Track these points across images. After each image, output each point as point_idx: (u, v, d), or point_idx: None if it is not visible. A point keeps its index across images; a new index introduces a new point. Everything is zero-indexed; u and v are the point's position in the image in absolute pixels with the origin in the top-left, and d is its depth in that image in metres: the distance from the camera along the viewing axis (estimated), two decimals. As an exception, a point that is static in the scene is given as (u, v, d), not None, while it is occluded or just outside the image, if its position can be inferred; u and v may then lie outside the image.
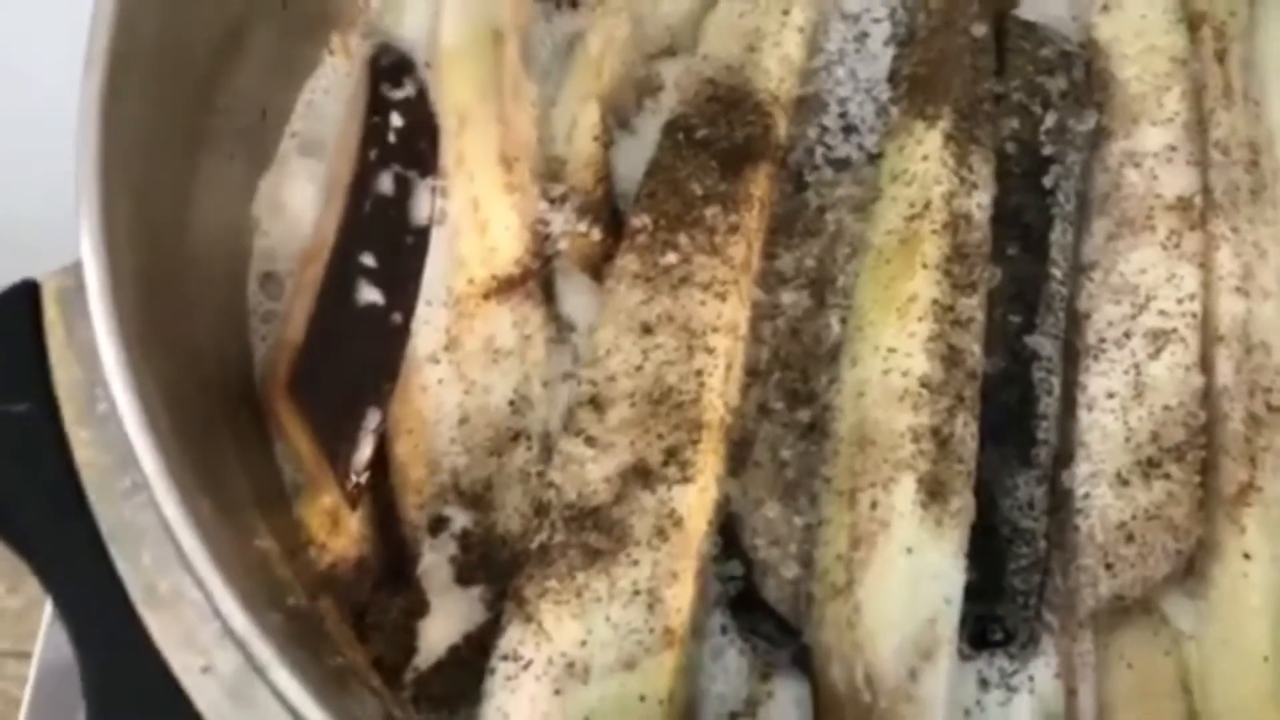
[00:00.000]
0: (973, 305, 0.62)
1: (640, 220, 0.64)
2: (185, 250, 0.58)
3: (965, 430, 0.59)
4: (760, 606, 0.58)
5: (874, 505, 0.57)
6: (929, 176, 0.64)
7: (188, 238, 0.59)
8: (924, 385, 0.59)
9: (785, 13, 0.69)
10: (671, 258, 0.62)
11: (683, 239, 0.63)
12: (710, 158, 0.65)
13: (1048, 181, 0.67)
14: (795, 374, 0.63)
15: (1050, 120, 0.68)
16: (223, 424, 0.57)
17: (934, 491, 0.57)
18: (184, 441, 0.48)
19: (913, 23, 0.70)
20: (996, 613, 0.59)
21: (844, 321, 0.64)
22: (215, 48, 0.60)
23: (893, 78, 0.69)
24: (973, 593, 0.58)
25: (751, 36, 0.68)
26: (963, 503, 0.58)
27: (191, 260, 0.58)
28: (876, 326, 0.62)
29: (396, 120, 0.68)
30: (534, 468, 0.60)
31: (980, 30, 0.68)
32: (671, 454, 0.58)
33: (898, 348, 0.61)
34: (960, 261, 0.62)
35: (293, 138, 0.69)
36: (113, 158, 0.51)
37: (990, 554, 0.59)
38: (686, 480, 0.57)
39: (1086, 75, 0.70)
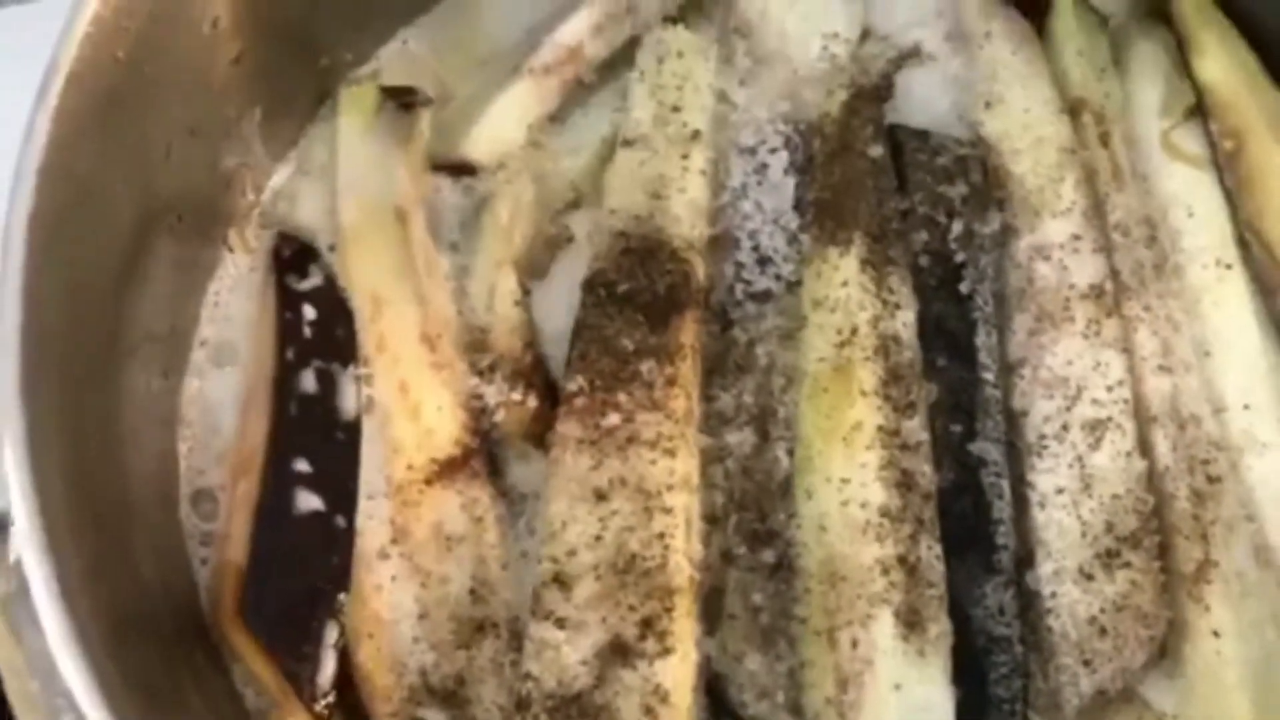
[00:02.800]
0: (916, 426, 0.64)
1: (575, 383, 0.65)
2: (117, 481, 0.59)
3: (930, 553, 0.62)
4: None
5: (855, 644, 0.59)
6: (852, 303, 0.67)
7: (117, 467, 0.59)
8: (884, 515, 0.62)
9: (685, 157, 0.72)
10: (614, 419, 0.64)
11: (622, 397, 0.64)
12: (635, 311, 0.67)
13: (964, 287, 0.70)
14: (753, 514, 0.65)
15: (957, 227, 0.72)
16: (178, 664, 0.57)
17: (911, 622, 0.60)
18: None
19: (809, 149, 0.74)
20: None
21: (791, 453, 0.66)
22: (118, 271, 0.61)
23: (798, 205, 0.72)
24: (959, 709, 0.60)
25: (655, 184, 0.71)
26: (940, 628, 0.60)
27: (124, 491, 0.59)
28: (825, 457, 0.64)
29: (309, 312, 0.69)
30: (506, 657, 0.61)
31: (877, 151, 0.72)
32: (647, 625, 0.59)
33: (851, 478, 0.63)
34: (896, 384, 0.65)
35: (203, 346, 0.69)
36: (35, 392, 0.52)
37: (970, 667, 0.61)
38: (667, 651, 0.58)
39: (984, 176, 0.74)
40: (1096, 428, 0.67)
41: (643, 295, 0.67)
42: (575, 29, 0.76)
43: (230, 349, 0.69)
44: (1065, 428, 0.67)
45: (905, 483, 0.63)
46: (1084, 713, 0.62)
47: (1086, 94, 0.76)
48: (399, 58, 0.79)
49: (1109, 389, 0.68)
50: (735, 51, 0.78)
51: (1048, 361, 0.69)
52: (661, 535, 0.61)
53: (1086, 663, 0.62)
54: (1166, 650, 0.63)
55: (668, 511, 0.62)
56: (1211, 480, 0.66)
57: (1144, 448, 0.67)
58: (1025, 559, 0.65)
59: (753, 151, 0.74)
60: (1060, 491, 0.66)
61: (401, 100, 0.75)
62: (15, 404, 0.50)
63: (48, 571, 0.48)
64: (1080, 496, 0.66)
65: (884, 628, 0.59)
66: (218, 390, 0.68)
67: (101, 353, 0.59)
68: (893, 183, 0.72)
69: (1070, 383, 0.68)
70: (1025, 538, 0.65)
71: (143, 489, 0.61)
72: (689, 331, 0.67)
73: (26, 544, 0.48)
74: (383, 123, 0.74)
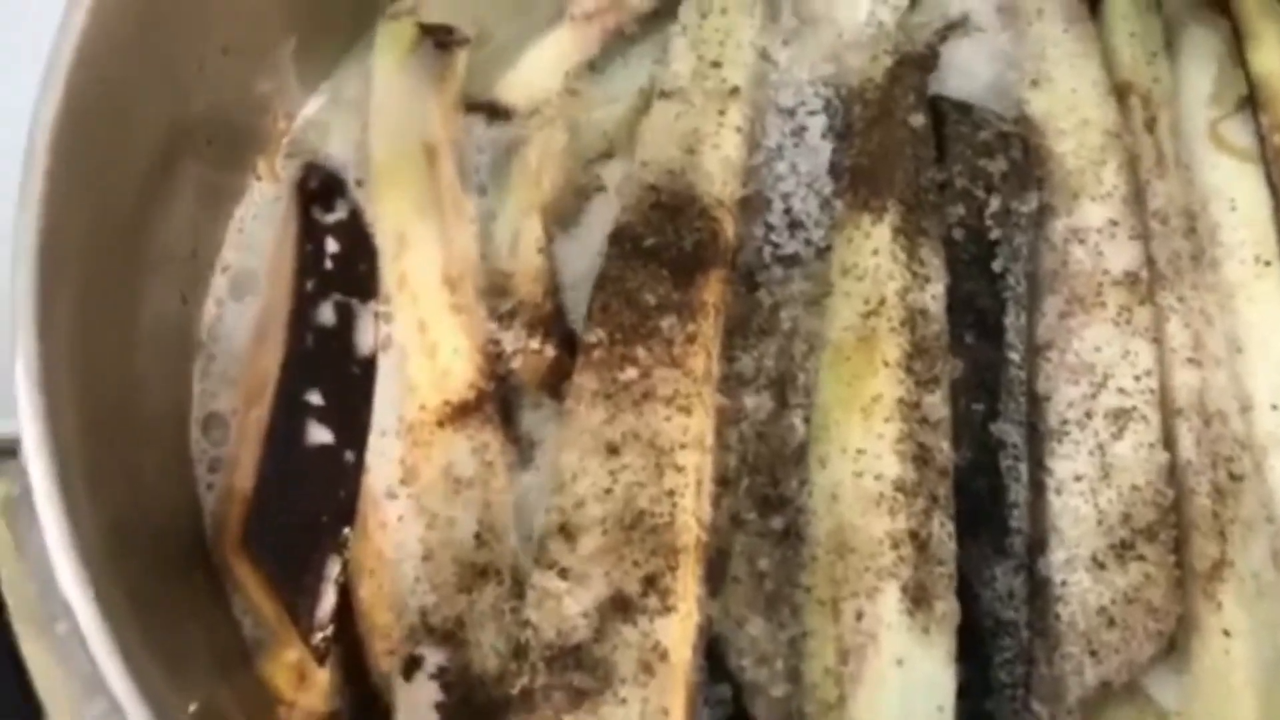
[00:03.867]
0: (937, 401, 0.64)
1: (595, 335, 0.65)
2: (128, 401, 0.59)
3: (942, 530, 0.62)
4: (752, 727, 0.60)
5: (859, 616, 0.60)
6: (881, 272, 0.67)
7: (129, 386, 0.59)
8: (898, 489, 0.62)
9: (721, 113, 0.72)
10: (631, 373, 0.64)
11: (640, 352, 0.64)
12: (660, 266, 0.67)
13: (996, 266, 0.70)
14: (765, 479, 0.65)
15: (994, 204, 0.71)
16: (178, 587, 0.57)
17: (918, 598, 0.60)
18: (149, 646, 0.48)
19: (849, 114, 0.73)
20: (985, 708, 0.61)
21: (808, 420, 0.66)
22: (141, 188, 0.61)
23: (834, 170, 0.72)
24: (960, 689, 0.60)
25: (690, 139, 0.71)
26: (947, 606, 0.60)
27: (135, 411, 0.59)
28: (842, 426, 0.64)
29: (332, 245, 0.69)
30: (507, 604, 0.61)
31: (919, 120, 0.72)
32: (650, 583, 0.59)
33: (867, 449, 0.63)
34: (921, 357, 0.65)
35: (224, 272, 0.70)
36: (50, 307, 0.52)
37: (975, 648, 0.61)
38: (668, 610, 0.59)
39: (1025, 155, 0.73)
40: (1120, 417, 0.67)
41: (669, 250, 0.67)
42: (619, -24, 0.76)
43: (252, 277, 0.70)
44: (1089, 415, 0.67)
45: (922, 457, 0.63)
46: (1086, 703, 0.62)
47: (1136, 77, 0.76)
48: (441, -4, 0.78)
49: (1136, 378, 0.68)
50: (781, 10, 0.77)
51: (1075, 346, 0.69)
52: (671, 493, 0.61)
53: (1093, 653, 0.62)
54: (1175, 646, 0.62)
55: (679, 470, 0.62)
56: (1234, 478, 0.66)
57: (1167, 440, 0.66)
58: (1038, 545, 0.65)
59: (791, 113, 0.74)
60: (1079, 479, 0.66)
61: (439, 39, 0.75)
62: (30, 313, 0.50)
63: (51, 478, 0.49)
64: (1099, 485, 0.65)
65: (890, 602, 0.59)
66: (236, 317, 0.68)
67: (121, 269, 0.59)
68: (932, 154, 0.71)
69: (1097, 369, 0.68)
70: (1039, 523, 0.65)
71: (155, 409, 0.61)
72: (713, 290, 0.67)
73: (33, 449, 0.49)
74: (418, 60, 0.74)
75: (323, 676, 0.60)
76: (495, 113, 0.74)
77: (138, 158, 0.60)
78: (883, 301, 0.66)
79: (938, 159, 0.72)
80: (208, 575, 0.61)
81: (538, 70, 0.75)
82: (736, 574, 0.63)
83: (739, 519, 0.64)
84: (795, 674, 0.61)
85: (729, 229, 0.69)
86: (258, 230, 0.71)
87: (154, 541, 0.57)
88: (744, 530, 0.64)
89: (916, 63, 0.74)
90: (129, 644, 0.48)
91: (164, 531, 0.59)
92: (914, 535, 0.61)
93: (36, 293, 0.51)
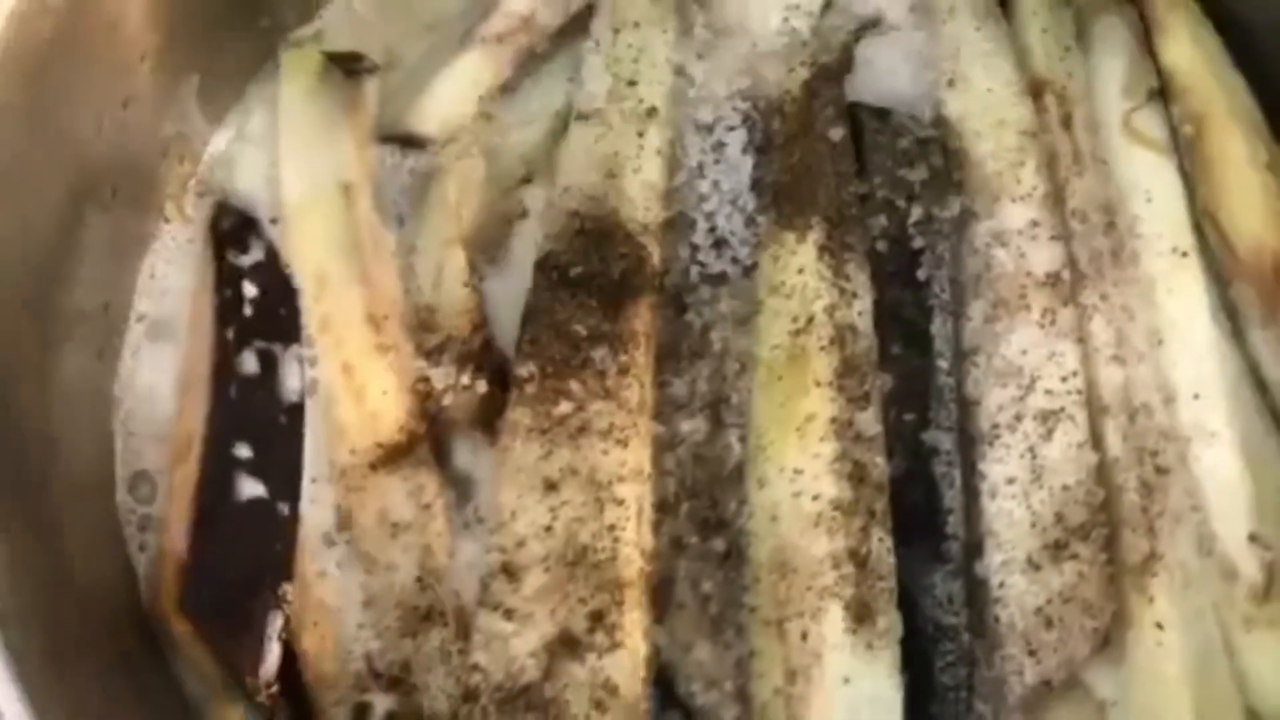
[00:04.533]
0: (869, 418, 0.66)
1: (526, 369, 0.66)
2: (46, 464, 0.58)
3: (881, 546, 0.64)
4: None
5: (804, 636, 0.61)
6: (809, 290, 0.68)
7: (47, 449, 0.59)
8: (836, 508, 0.63)
9: (641, 134, 0.72)
10: (565, 407, 0.65)
11: (574, 385, 0.65)
12: (589, 296, 0.68)
13: (921, 274, 0.72)
14: (704, 502, 0.67)
15: (916, 212, 0.73)
16: (109, 650, 0.57)
17: (861, 615, 0.62)
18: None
19: (768, 128, 0.74)
20: (931, 711, 0.64)
21: (744, 440, 0.67)
22: (45, 256, 0.60)
23: (756, 186, 0.73)
24: (906, 696, 0.62)
25: (610, 163, 0.71)
26: (889, 620, 0.62)
27: (55, 474, 0.58)
28: (778, 446, 0.66)
29: (250, 289, 0.69)
30: (454, 645, 0.62)
31: (838, 134, 0.73)
32: (597, 619, 0.60)
33: (804, 469, 0.65)
34: (851, 374, 0.67)
35: (140, 321, 0.69)
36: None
37: (917, 654, 0.64)
38: (616, 645, 0.60)
39: (945, 160, 0.75)
40: (1049, 418, 0.69)
41: (596, 280, 0.68)
42: (527, -4, 0.76)
43: (167, 325, 0.70)
44: (1018, 417, 0.69)
45: (858, 475, 0.64)
46: (1028, 702, 0.64)
47: (1050, 74, 0.78)
48: (343, 19, 0.78)
49: (1063, 379, 0.70)
50: (694, 23, 0.78)
51: (1002, 350, 0.71)
52: (612, 527, 0.62)
53: (1032, 653, 0.65)
54: (1110, 640, 0.65)
55: (619, 503, 0.63)
56: (1160, 471, 0.68)
57: (1095, 439, 0.69)
58: (974, 548, 0.67)
59: (709, 129, 0.75)
60: (1011, 481, 0.68)
61: (346, 67, 0.75)
62: None
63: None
64: (1030, 487, 0.68)
65: (833, 621, 0.61)
66: (155, 368, 0.68)
67: (29, 332, 0.59)
68: (853, 166, 0.73)
69: (1024, 372, 0.70)
70: (974, 527, 0.67)
71: (78, 470, 0.61)
72: (643, 318, 0.68)
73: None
74: (327, 89, 0.74)
75: (270, 731, 0.60)
76: (410, 143, 0.74)
77: (40, 222, 0.59)
78: (811, 320, 0.67)
79: (858, 170, 0.73)
80: (142, 636, 0.61)
81: (450, 96, 0.75)
82: (681, 599, 0.65)
83: (680, 543, 0.66)
84: (744, 694, 0.63)
85: (655, 255, 0.70)
86: (171, 275, 0.71)
87: (81, 606, 0.57)
88: (685, 554, 0.66)
89: (834, 73, 0.76)
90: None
91: (92, 595, 0.59)
92: (853, 553, 0.63)
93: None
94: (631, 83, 0.74)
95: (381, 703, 0.62)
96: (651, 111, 0.73)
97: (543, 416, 0.65)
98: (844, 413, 0.66)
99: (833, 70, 0.76)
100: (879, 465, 0.66)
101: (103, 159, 0.64)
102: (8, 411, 0.56)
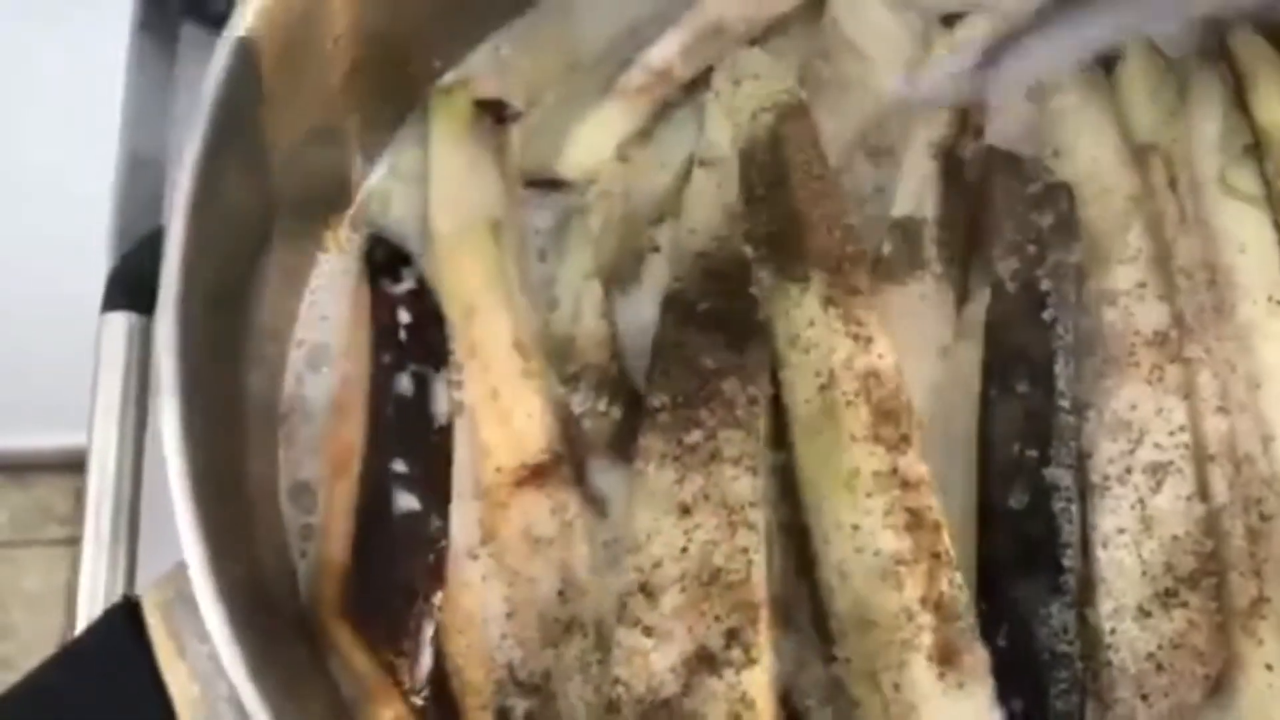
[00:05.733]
0: (912, 459, 0.69)
1: (658, 399, 0.72)
2: (235, 473, 0.65)
3: (952, 586, 0.67)
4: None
5: (897, 688, 0.66)
6: (823, 346, 0.72)
7: (234, 458, 0.66)
8: (899, 562, 0.67)
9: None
10: (697, 435, 0.71)
11: (704, 415, 0.71)
12: (716, 331, 0.73)
13: (1046, 315, 0.77)
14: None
15: (1043, 254, 0.78)
16: (290, 656, 0.63)
17: (946, 658, 0.66)
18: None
19: (747, 178, 0.78)
20: None
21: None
22: (241, 282, 0.68)
23: (748, 237, 0.76)
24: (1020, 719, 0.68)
25: (734, 205, 0.77)
26: (975, 656, 0.67)
27: (240, 483, 0.65)
28: (831, 502, 0.69)
29: (404, 316, 0.75)
30: (593, 656, 0.68)
31: (820, 169, 0.77)
32: (733, 636, 0.66)
33: (860, 524, 0.68)
34: (885, 422, 0.70)
35: (299, 347, 0.76)
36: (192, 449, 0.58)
37: (1032, 682, 0.69)
38: (751, 662, 0.66)
39: (1070, 207, 0.80)
40: (1158, 471, 0.74)
41: (723, 315, 0.74)
42: (665, 53, 0.83)
43: (324, 350, 0.76)
44: (1129, 470, 0.74)
45: (914, 523, 0.68)
46: (1141, 746, 0.69)
47: (1156, 138, 0.83)
48: (490, 64, 0.85)
49: (1170, 434, 0.75)
50: (819, 75, 0.84)
51: (1113, 405, 0.76)
52: (745, 550, 0.68)
53: (1144, 697, 0.69)
54: (1220, 686, 0.70)
55: (751, 527, 0.69)
56: (1265, 518, 0.73)
57: (1203, 490, 0.74)
58: (1087, 596, 0.72)
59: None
60: (1121, 532, 0.73)
61: (495, 112, 0.82)
62: (176, 447, 0.57)
63: (203, 566, 0.55)
64: (1141, 538, 0.73)
65: (919, 672, 0.66)
66: (313, 390, 0.75)
67: (228, 345, 0.66)
68: (842, 204, 0.76)
69: (1134, 427, 0.75)
70: (1088, 575, 0.72)
71: (254, 480, 0.68)
72: (768, 351, 0.73)
73: (189, 541, 0.55)
74: (475, 134, 0.81)
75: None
76: (553, 186, 0.80)
77: (241, 249, 0.67)
78: (832, 375, 0.71)
79: (981, 208, 0.78)
80: (309, 641, 0.66)
81: (591, 144, 0.81)
82: (798, 623, 0.70)
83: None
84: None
85: None
86: (327, 303, 0.77)
87: (268, 614, 0.63)
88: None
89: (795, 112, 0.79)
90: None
91: (275, 603, 0.65)
92: (925, 600, 0.67)
93: (180, 418, 0.58)
94: (752, 130, 0.79)
95: (521, 707, 0.67)
96: None
97: (674, 444, 0.70)
98: (885, 463, 0.69)
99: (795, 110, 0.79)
100: (933, 506, 0.69)
101: (284, 189, 0.71)
102: (212, 438, 0.62)
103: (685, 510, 0.69)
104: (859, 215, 0.78)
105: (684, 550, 0.68)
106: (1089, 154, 0.82)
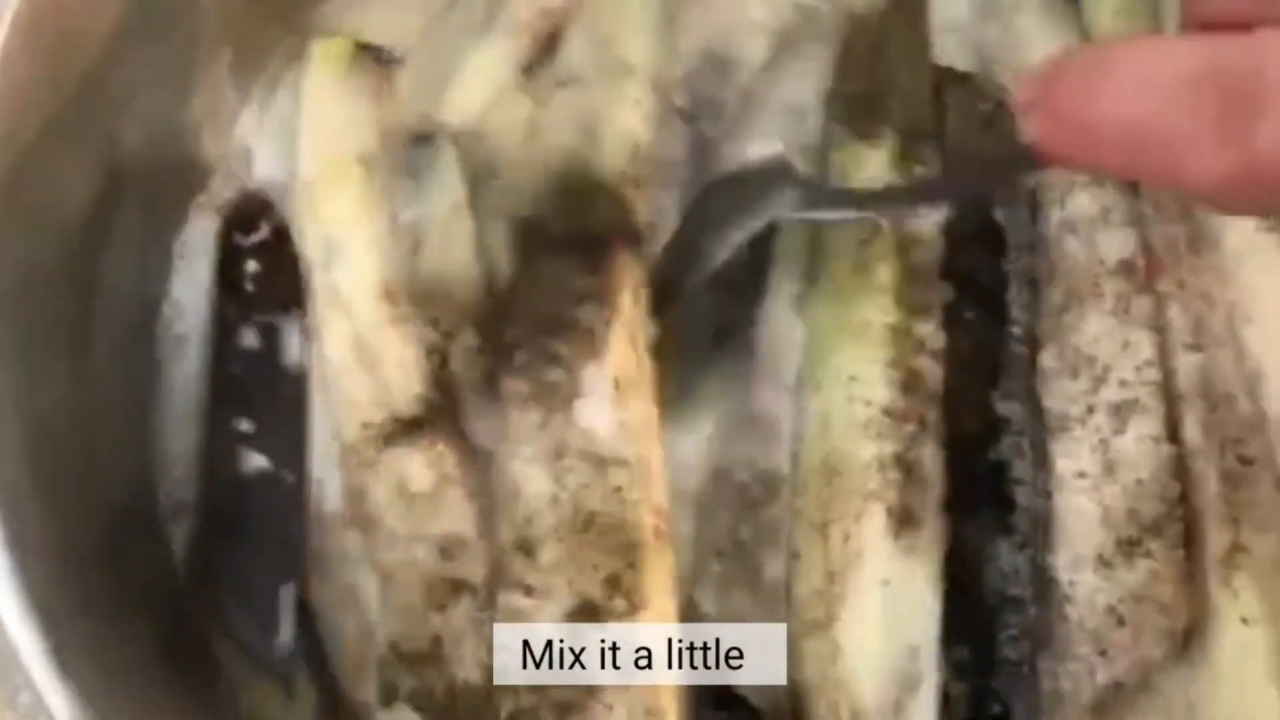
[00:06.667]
0: (930, 329, 0.71)
1: (513, 334, 0.69)
2: (85, 452, 0.64)
3: (931, 455, 0.68)
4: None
5: (846, 538, 0.66)
6: None
7: (85, 438, 0.65)
8: (886, 414, 0.68)
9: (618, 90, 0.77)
10: (558, 373, 0.68)
11: (562, 349, 0.68)
12: (571, 253, 0.71)
13: (998, 240, 0.77)
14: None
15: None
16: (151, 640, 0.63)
17: (904, 520, 0.66)
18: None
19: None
20: (992, 685, 0.67)
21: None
22: (79, 246, 0.67)
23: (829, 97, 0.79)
24: (966, 668, 0.66)
25: (589, 117, 0.76)
26: (934, 531, 0.67)
27: (91, 461, 0.65)
28: (834, 353, 0.71)
29: (252, 266, 0.74)
30: (486, 613, 0.66)
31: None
32: (613, 584, 0.63)
33: (859, 375, 0.69)
34: (914, 282, 0.72)
35: (169, 307, 0.76)
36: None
37: (980, 626, 0.67)
38: (635, 608, 0.63)
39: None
40: (1122, 409, 0.71)
41: (577, 236, 0.72)
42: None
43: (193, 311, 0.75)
44: (1090, 409, 0.72)
45: (911, 383, 0.69)
46: (1099, 704, 0.66)
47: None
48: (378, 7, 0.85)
49: (1137, 369, 0.72)
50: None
51: (1073, 340, 0.74)
52: (619, 489, 0.66)
53: (1103, 653, 0.66)
54: (1189, 642, 0.66)
55: (622, 463, 0.66)
56: (1245, 462, 0.70)
57: (1171, 431, 0.71)
58: (1044, 544, 0.70)
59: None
60: (1081, 475, 0.70)
61: (374, 56, 0.82)
62: None
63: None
64: (1102, 481, 0.70)
65: (875, 523, 0.66)
66: (178, 357, 0.74)
67: (66, 319, 0.66)
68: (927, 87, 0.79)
69: (1097, 363, 0.73)
70: (1043, 522, 0.70)
71: (113, 457, 0.67)
72: (629, 270, 0.71)
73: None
74: (353, 78, 0.81)
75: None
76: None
77: (72, 212, 0.66)
78: (876, 230, 0.73)
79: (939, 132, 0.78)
80: (180, 618, 0.66)
81: (472, 86, 0.80)
82: (720, 547, 0.70)
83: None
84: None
85: (641, 206, 0.73)
86: (196, 264, 0.77)
87: (120, 592, 0.62)
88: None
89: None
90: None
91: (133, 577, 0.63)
92: (900, 459, 0.67)
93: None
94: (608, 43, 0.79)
95: (409, 680, 0.65)
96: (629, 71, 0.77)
97: (536, 383, 0.68)
98: (903, 321, 0.71)
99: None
100: (935, 375, 0.70)
101: (133, 140, 0.71)
102: (40, 399, 0.61)
103: (555, 455, 0.67)
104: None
105: (555, 499, 0.66)
106: None
